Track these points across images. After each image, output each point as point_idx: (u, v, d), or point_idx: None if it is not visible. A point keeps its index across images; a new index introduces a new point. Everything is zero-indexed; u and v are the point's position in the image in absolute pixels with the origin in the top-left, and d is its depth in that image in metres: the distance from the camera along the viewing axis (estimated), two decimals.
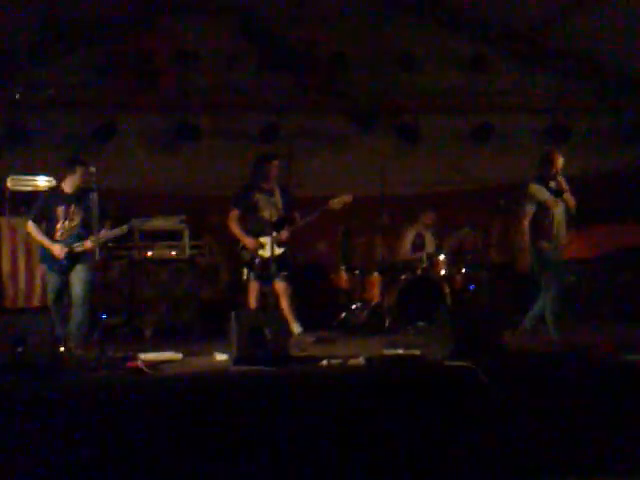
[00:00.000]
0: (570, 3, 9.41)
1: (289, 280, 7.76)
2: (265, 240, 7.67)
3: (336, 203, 7.82)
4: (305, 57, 10.10)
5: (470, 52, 10.39)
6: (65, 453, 4.77)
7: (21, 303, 8.43)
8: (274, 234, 7.55)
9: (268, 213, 7.73)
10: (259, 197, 7.85)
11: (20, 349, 5.53)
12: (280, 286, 7.71)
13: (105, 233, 6.93)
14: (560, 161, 7.42)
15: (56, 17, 9.26)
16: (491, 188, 10.43)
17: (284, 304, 7.71)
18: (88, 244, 6.80)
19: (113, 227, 7.09)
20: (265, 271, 7.66)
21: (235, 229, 7.86)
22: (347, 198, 7.84)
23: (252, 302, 7.75)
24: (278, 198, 7.90)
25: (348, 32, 10.15)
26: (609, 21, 9.32)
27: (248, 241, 7.77)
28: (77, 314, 6.94)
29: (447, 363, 5.63)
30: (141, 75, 9.64)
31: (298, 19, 9.93)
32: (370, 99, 10.46)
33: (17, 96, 9.52)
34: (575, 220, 7.84)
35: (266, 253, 7.67)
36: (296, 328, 7.68)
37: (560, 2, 9.52)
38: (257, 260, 7.72)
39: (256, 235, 7.77)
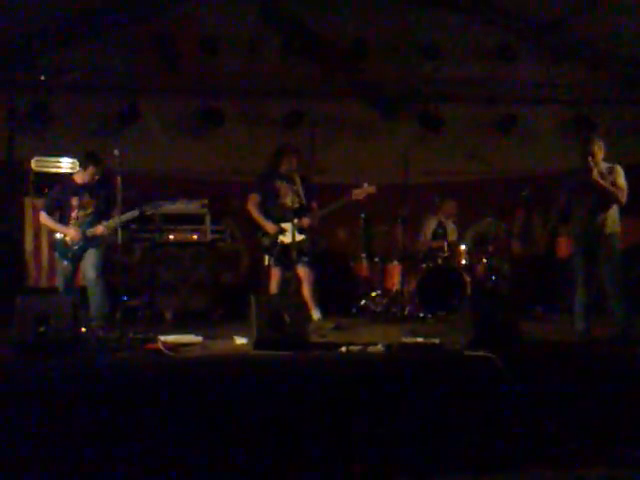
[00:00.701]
0: None
1: (311, 266, 7.82)
2: (286, 226, 7.72)
3: (359, 193, 7.86)
4: (329, 44, 10.07)
5: (495, 42, 10.28)
6: (84, 431, 4.83)
7: (44, 282, 8.58)
8: (295, 221, 7.58)
9: (289, 200, 7.76)
10: (280, 184, 7.91)
11: (42, 328, 5.59)
12: (302, 272, 7.79)
13: (117, 218, 7.00)
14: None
15: (81, 2, 9.28)
16: (514, 179, 10.39)
17: (305, 290, 7.78)
18: (100, 229, 6.98)
19: (125, 211, 7.19)
20: (286, 257, 7.72)
21: (255, 214, 7.93)
22: (370, 189, 7.89)
23: (273, 287, 7.81)
24: (299, 187, 7.92)
25: (372, 19, 10.08)
26: (635, 13, 9.22)
27: (269, 227, 7.83)
28: (94, 297, 7.14)
29: (466, 352, 5.64)
30: (164, 59, 9.65)
31: (322, 5, 9.89)
32: (394, 87, 10.45)
33: (42, 78, 9.60)
34: None
35: (287, 239, 7.74)
36: (316, 314, 7.76)
37: None
38: (278, 246, 7.75)
39: (277, 221, 7.83)
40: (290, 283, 7.98)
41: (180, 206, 8.71)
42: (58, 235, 7.22)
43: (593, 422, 5.35)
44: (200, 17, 9.95)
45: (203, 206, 8.89)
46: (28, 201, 8.82)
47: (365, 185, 7.93)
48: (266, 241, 7.90)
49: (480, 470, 5.12)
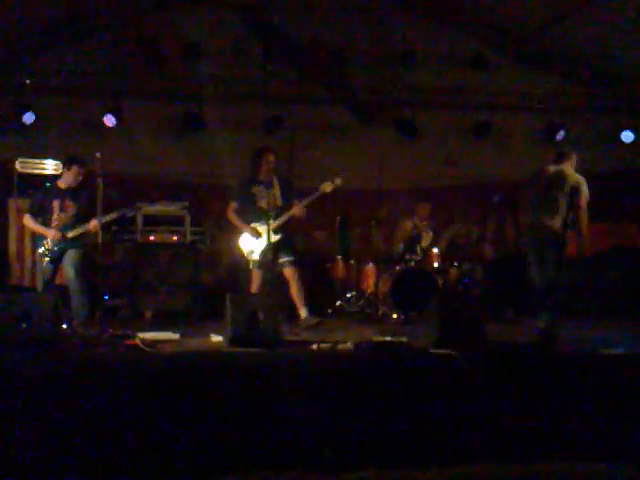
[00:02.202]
0: (570, 6, 9.53)
1: (296, 265, 7.92)
2: (262, 229, 7.83)
3: (327, 186, 7.93)
4: (308, 51, 10.31)
5: (470, 50, 10.55)
6: (65, 425, 5.01)
7: (27, 282, 8.71)
8: (271, 222, 7.72)
9: (265, 203, 7.84)
10: (256, 189, 8.00)
11: (25, 325, 5.78)
12: (288, 272, 7.88)
13: (98, 220, 7.17)
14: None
15: (65, 6, 9.47)
16: (487, 184, 10.67)
17: (292, 289, 7.87)
18: (93, 223, 7.14)
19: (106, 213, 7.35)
20: (266, 258, 7.84)
21: (233, 220, 8.08)
22: (337, 181, 7.96)
23: (253, 290, 7.91)
24: (276, 189, 8.03)
25: (350, 27, 10.31)
26: (607, 25, 9.47)
27: (247, 230, 7.97)
28: (74, 296, 7.34)
29: (432, 350, 5.87)
30: (147, 63, 9.85)
31: (302, 13, 10.11)
32: (370, 93, 10.68)
33: (27, 81, 9.77)
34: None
35: (262, 242, 7.82)
36: (303, 313, 7.87)
37: (561, 5, 9.63)
38: (257, 249, 7.89)
39: (257, 223, 7.93)
40: (272, 285, 8.08)
41: (161, 208, 8.92)
42: (39, 236, 7.42)
43: (552, 417, 5.58)
44: (183, 22, 10.11)
45: (183, 208, 9.08)
46: (12, 202, 8.98)
47: (334, 179, 7.98)
48: (245, 247, 8.02)
49: (444, 463, 5.32)
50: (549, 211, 7.16)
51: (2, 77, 9.82)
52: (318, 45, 10.31)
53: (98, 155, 6.84)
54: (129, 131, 10.27)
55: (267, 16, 10.25)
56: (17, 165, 9.10)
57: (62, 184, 7.58)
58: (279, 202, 8.00)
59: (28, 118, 9.81)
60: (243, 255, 8.02)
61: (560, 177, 7.28)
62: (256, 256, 7.88)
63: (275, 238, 7.80)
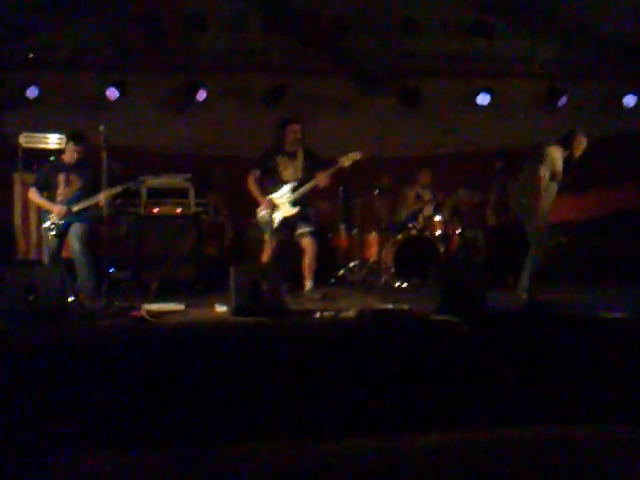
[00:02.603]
0: None
1: (315, 237, 7.93)
2: (282, 200, 7.85)
3: (345, 160, 7.91)
4: (310, 21, 10.30)
5: (471, 17, 10.55)
6: (70, 396, 5.12)
7: (33, 255, 8.81)
8: (290, 195, 7.79)
9: (287, 174, 7.90)
10: (280, 160, 7.97)
11: (31, 297, 5.86)
12: (305, 243, 7.90)
13: (104, 193, 7.26)
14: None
15: None
16: (489, 151, 10.69)
17: (307, 260, 7.91)
18: (102, 197, 7.22)
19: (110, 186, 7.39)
20: (283, 229, 7.87)
21: (252, 189, 8.01)
22: (356, 155, 7.93)
23: (265, 258, 7.93)
24: (300, 161, 8.00)
25: None
26: None
27: (263, 201, 7.94)
28: (80, 269, 7.42)
29: (433, 317, 5.95)
30: (150, 36, 9.87)
31: None
32: (372, 63, 10.71)
33: (30, 56, 9.82)
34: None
35: (282, 213, 7.87)
36: (309, 284, 7.92)
37: None
38: (272, 219, 7.87)
39: (276, 194, 7.93)
40: (285, 254, 8.01)
41: (164, 180, 8.96)
42: (45, 211, 7.50)
43: (552, 381, 5.66)
44: None
45: (187, 180, 9.10)
46: (17, 177, 9.05)
47: (348, 154, 7.96)
48: (265, 216, 7.98)
49: (447, 428, 5.42)
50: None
51: (5, 52, 9.88)
52: (319, 15, 10.31)
53: (102, 128, 6.85)
54: (132, 104, 10.37)
55: None
56: (21, 140, 9.14)
57: (66, 159, 7.61)
58: (300, 174, 7.96)
59: (31, 92, 9.91)
60: (259, 223, 8.03)
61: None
62: (273, 225, 7.87)
63: (292, 211, 7.81)
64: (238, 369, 5.34)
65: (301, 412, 5.34)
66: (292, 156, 7.99)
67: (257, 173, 8.01)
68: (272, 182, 7.99)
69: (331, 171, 7.89)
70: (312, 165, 8.00)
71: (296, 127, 8.02)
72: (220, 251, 9.90)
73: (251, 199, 8.08)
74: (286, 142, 8.00)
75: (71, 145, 7.53)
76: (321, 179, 7.84)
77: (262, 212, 7.95)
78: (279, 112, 10.36)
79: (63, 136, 8.63)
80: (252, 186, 8.02)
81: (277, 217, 7.87)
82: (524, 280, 7.36)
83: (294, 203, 7.84)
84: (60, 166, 7.62)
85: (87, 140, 7.56)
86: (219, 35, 10.29)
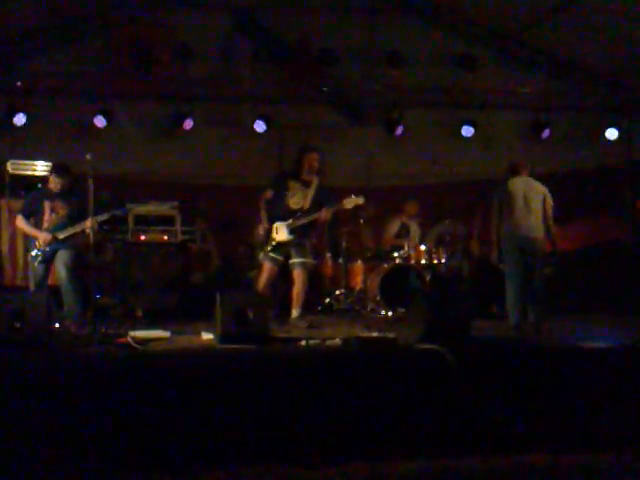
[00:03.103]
0: (557, 4, 9.65)
1: (306, 268, 7.95)
2: (280, 225, 7.87)
3: (348, 202, 7.99)
4: (297, 51, 10.38)
5: (457, 50, 10.68)
6: (57, 422, 5.11)
7: (19, 282, 8.80)
8: (290, 221, 7.85)
9: (294, 201, 7.95)
10: (292, 185, 8.00)
11: (17, 324, 5.87)
12: (296, 272, 7.93)
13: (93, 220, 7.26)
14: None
15: (58, 7, 9.57)
16: (474, 182, 10.78)
17: (295, 289, 7.94)
18: (87, 224, 7.21)
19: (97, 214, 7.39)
20: (277, 254, 7.92)
21: (260, 209, 8.07)
22: (359, 200, 8.01)
23: (262, 282, 7.97)
24: (311, 190, 8.01)
25: (339, 28, 10.48)
26: (593, 23, 9.60)
27: (261, 226, 8.03)
28: (66, 295, 7.45)
29: (417, 346, 5.98)
30: (138, 65, 9.91)
31: (291, 15, 10.27)
32: (359, 93, 10.80)
33: (18, 83, 9.87)
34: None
35: (279, 237, 7.88)
36: (295, 312, 7.94)
37: (547, 3, 9.76)
38: (269, 243, 7.93)
39: (277, 220, 7.94)
40: (275, 279, 8.15)
41: (151, 208, 9.02)
42: (31, 237, 7.52)
43: (536, 409, 5.71)
44: (174, 24, 10.23)
45: (174, 208, 9.18)
46: (4, 203, 9.05)
47: (352, 196, 8.03)
48: (261, 237, 8.08)
49: (430, 455, 5.45)
50: (529, 219, 7.63)
51: None
52: (307, 45, 10.41)
53: (88, 157, 6.85)
54: (120, 132, 10.42)
55: (257, 18, 10.37)
56: (9, 166, 9.15)
57: (53, 186, 7.66)
58: (307, 204, 7.99)
59: (19, 120, 9.91)
60: (255, 241, 8.19)
61: (531, 187, 7.77)
62: (267, 248, 7.93)
63: (288, 237, 7.85)
64: (224, 396, 5.37)
65: (287, 438, 5.37)
66: (305, 184, 8.03)
67: (269, 193, 8.05)
68: (279, 205, 8.00)
69: (333, 209, 7.98)
70: (321, 198, 8.02)
71: (314, 156, 8.06)
72: (207, 278, 9.91)
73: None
74: (303, 169, 8.04)
75: (53, 177, 7.62)
76: (323, 215, 7.90)
77: (260, 232, 8.04)
78: (266, 141, 10.51)
79: (50, 164, 8.71)
80: (261, 206, 8.07)
81: (273, 240, 7.91)
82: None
83: (291, 231, 7.87)
84: (46, 193, 7.68)
85: (70, 171, 7.64)
86: (207, 64, 10.38)
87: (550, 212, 7.71)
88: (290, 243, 7.88)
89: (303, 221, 7.89)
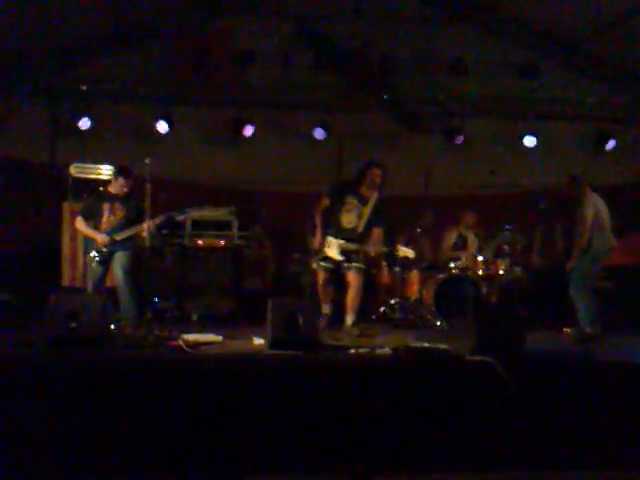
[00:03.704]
0: (621, 14, 9.50)
1: (359, 274, 7.86)
2: (332, 242, 7.84)
3: (400, 251, 8.07)
4: (357, 59, 10.42)
5: (520, 59, 10.58)
6: (105, 421, 5.19)
7: (79, 283, 8.97)
8: (342, 242, 7.80)
9: (347, 218, 7.88)
10: (350, 200, 7.90)
11: (73, 324, 5.96)
12: (350, 277, 7.86)
13: (150, 222, 7.37)
14: None
15: (122, 15, 9.75)
16: (536, 193, 10.63)
17: (349, 295, 7.88)
18: (145, 227, 7.33)
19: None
20: (327, 262, 7.88)
21: (316, 217, 7.98)
22: (409, 253, 8.03)
23: (319, 288, 7.98)
24: (368, 209, 7.89)
25: (400, 36, 10.47)
26: None
27: (314, 239, 7.99)
28: (123, 297, 7.53)
29: (468, 357, 5.91)
30: (199, 71, 10.07)
31: (352, 23, 10.25)
32: (419, 101, 10.77)
33: (83, 88, 10.09)
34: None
35: (329, 253, 7.87)
36: (349, 320, 7.91)
37: (611, 12, 9.60)
38: (321, 255, 7.92)
39: (330, 234, 7.90)
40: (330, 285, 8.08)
41: (208, 212, 9.11)
42: (90, 239, 7.65)
43: (587, 425, 5.59)
44: (235, 31, 10.37)
45: (231, 213, 9.26)
46: (66, 206, 9.25)
47: (403, 248, 8.08)
48: (314, 245, 8.06)
49: (478, 469, 5.38)
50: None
51: (59, 83, 10.18)
52: (367, 54, 10.43)
53: (147, 161, 7.01)
54: (180, 137, 10.55)
55: (317, 25, 10.42)
56: (72, 169, 9.38)
57: (112, 189, 7.79)
58: (361, 227, 7.89)
59: (84, 124, 10.13)
60: (312, 252, 8.12)
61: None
62: (319, 258, 7.93)
63: (338, 258, 7.82)
64: (269, 403, 5.38)
65: (332, 448, 5.36)
66: (363, 201, 7.91)
67: (327, 202, 7.96)
68: (333, 218, 7.94)
69: (382, 251, 8.09)
70: (376, 220, 7.92)
71: (377, 171, 7.92)
72: (263, 284, 9.96)
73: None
74: (364, 184, 7.92)
75: (120, 179, 7.69)
76: (372, 252, 7.91)
77: (315, 242, 7.99)
78: (325, 148, 10.53)
79: (112, 167, 8.86)
80: (317, 214, 7.98)
81: (324, 253, 7.90)
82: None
83: (342, 252, 7.82)
84: (106, 196, 7.80)
85: (133, 173, 7.71)
86: (267, 71, 10.46)
87: None
88: (349, 251, 7.81)
89: (353, 248, 7.81)
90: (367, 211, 7.88)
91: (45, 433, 5.07)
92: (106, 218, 7.65)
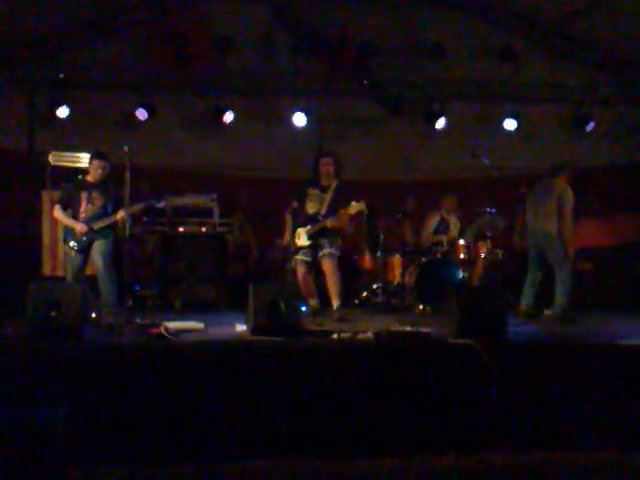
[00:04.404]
0: None
1: (331, 259, 8.09)
2: (300, 231, 8.14)
3: (353, 208, 7.99)
4: (337, 44, 10.38)
5: (499, 42, 10.55)
6: (84, 410, 5.16)
7: (59, 272, 8.90)
8: (308, 227, 8.09)
9: (310, 207, 8.18)
10: (312, 192, 8.24)
11: (53, 313, 5.94)
12: (324, 265, 8.11)
13: (124, 211, 7.35)
14: None
15: (100, 2, 9.68)
16: (516, 176, 10.63)
17: (328, 282, 8.13)
18: (121, 214, 7.30)
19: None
20: (303, 256, 8.12)
21: (285, 218, 8.44)
22: (361, 206, 8.03)
23: (299, 284, 8.06)
24: (329, 195, 8.20)
25: (379, 20, 10.45)
26: (636, 13, 9.41)
27: (285, 235, 8.45)
28: (103, 285, 7.47)
29: (450, 341, 5.92)
30: (178, 58, 10.00)
31: (331, 7, 10.24)
32: (399, 86, 10.73)
33: (61, 76, 10.00)
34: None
35: (299, 243, 8.14)
36: (335, 304, 8.07)
37: None
38: (294, 249, 8.19)
39: (298, 226, 8.20)
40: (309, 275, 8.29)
41: (189, 200, 9.07)
42: (68, 228, 7.60)
43: (569, 406, 5.62)
44: (213, 17, 10.30)
45: (212, 200, 9.21)
46: (45, 194, 9.18)
47: (353, 203, 8.01)
48: (285, 245, 8.51)
49: (461, 451, 5.39)
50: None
51: (37, 72, 10.07)
52: (346, 38, 10.39)
53: (125, 148, 6.99)
54: (160, 124, 10.48)
55: (296, 10, 10.37)
56: (50, 158, 9.30)
57: (90, 178, 7.73)
58: (324, 209, 8.16)
59: (62, 112, 10.04)
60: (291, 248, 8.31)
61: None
62: (297, 254, 8.17)
63: (307, 243, 8.09)
64: (252, 388, 5.37)
65: (316, 432, 5.36)
66: (323, 190, 8.23)
67: (294, 204, 8.33)
68: (301, 213, 8.25)
69: (335, 218, 8.07)
70: (338, 201, 8.13)
71: (326, 160, 8.27)
72: (245, 270, 9.95)
73: (275, 219, 8.22)
74: (320, 176, 8.26)
75: (95, 162, 7.64)
76: (329, 223, 8.05)
77: (283, 242, 8.55)
78: (304, 135, 10.50)
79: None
80: (285, 215, 8.42)
81: (296, 246, 8.18)
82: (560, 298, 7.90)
83: (310, 236, 8.11)
84: (83, 185, 7.72)
85: (106, 156, 7.67)
86: (246, 57, 10.40)
87: None
88: (312, 245, 8.09)
89: (317, 228, 8.08)
90: (328, 197, 8.20)
91: (26, 423, 5.06)
92: (84, 207, 7.59)
